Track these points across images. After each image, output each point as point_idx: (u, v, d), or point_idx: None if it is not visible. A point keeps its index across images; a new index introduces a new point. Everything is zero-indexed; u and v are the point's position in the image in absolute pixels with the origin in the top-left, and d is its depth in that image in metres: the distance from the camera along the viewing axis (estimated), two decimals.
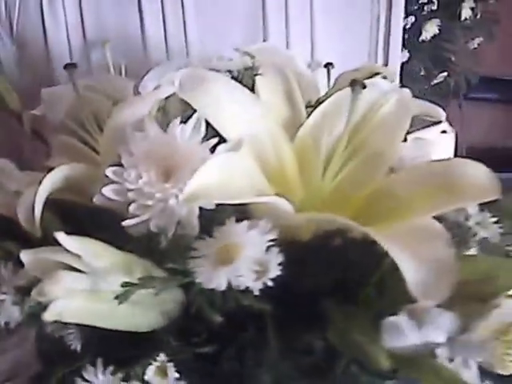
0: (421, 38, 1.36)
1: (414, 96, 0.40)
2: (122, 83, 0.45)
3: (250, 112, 0.35)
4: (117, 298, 0.26)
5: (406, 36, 1.36)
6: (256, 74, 0.37)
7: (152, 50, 0.55)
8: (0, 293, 0.29)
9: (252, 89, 0.38)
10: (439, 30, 1.36)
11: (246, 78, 0.39)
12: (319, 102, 0.38)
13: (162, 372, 0.27)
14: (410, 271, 0.26)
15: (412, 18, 1.35)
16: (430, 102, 0.49)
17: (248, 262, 0.25)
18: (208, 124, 0.33)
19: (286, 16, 0.53)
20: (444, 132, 0.50)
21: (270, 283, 0.25)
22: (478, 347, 0.27)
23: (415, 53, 1.36)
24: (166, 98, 0.35)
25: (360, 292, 0.29)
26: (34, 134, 0.52)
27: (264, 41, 0.52)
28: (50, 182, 0.33)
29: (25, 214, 0.32)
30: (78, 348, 0.31)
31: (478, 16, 1.43)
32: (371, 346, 0.26)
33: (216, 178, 0.29)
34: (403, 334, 0.26)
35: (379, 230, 0.29)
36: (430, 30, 1.36)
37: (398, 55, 0.57)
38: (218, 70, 0.38)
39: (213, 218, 0.28)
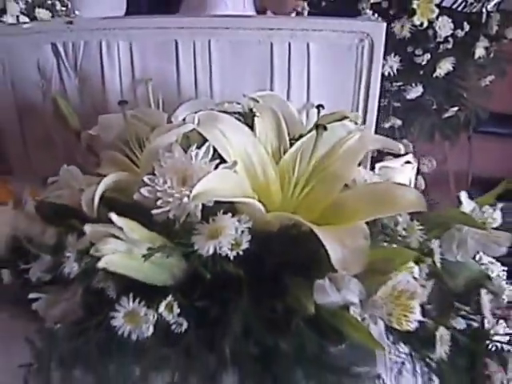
0: (435, 74, 1.49)
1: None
2: (159, 115, 0.61)
3: (246, 142, 0.50)
4: (143, 257, 0.42)
5: (421, 72, 1.50)
6: (254, 116, 0.53)
7: (183, 90, 0.72)
8: (66, 252, 0.45)
9: (252, 125, 0.54)
10: (453, 67, 1.48)
11: (248, 118, 0.54)
12: (300, 136, 0.54)
13: (170, 308, 0.42)
14: (334, 252, 0.40)
15: (428, 56, 1.48)
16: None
17: (228, 239, 0.41)
18: (215, 150, 0.48)
19: (289, 71, 0.69)
20: (408, 162, 0.64)
21: (240, 253, 0.40)
22: (379, 308, 0.41)
23: (429, 88, 1.49)
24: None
25: (306, 266, 0.44)
26: (88, 149, 0.69)
27: (271, 90, 0.68)
28: (104, 184, 0.49)
29: (86, 203, 0.48)
30: (114, 297, 0.46)
31: (492, 55, 1.55)
32: (305, 299, 0.40)
33: (215, 185, 0.44)
34: (327, 294, 0.41)
35: (324, 227, 0.44)
36: (444, 67, 1.48)
37: (376, 100, 0.71)
38: (227, 112, 0.54)
39: (210, 211, 0.43)
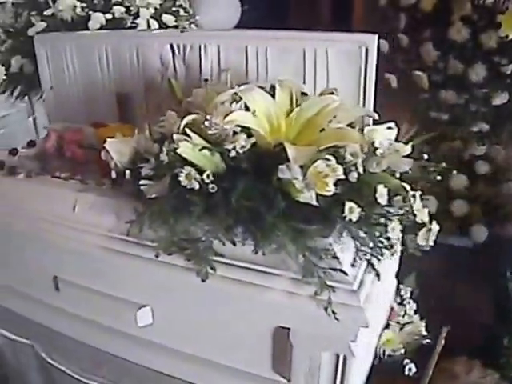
0: None
1: None
2: (225, 87, 1.05)
3: (268, 103, 0.92)
4: (200, 150, 0.85)
5: (508, 81, 1.85)
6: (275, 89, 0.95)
7: (248, 78, 1.15)
8: (162, 154, 0.90)
9: (274, 95, 0.95)
10: None
11: (272, 91, 0.96)
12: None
13: (207, 177, 0.85)
14: (290, 153, 0.81)
15: None
16: None
17: (236, 144, 0.83)
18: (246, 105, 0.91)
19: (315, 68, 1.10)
20: (389, 128, 1.02)
21: (240, 152, 0.83)
22: (311, 181, 0.81)
23: None
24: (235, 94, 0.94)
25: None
26: (185, 110, 1.14)
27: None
28: (187, 119, 0.93)
29: (177, 128, 0.93)
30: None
31: None
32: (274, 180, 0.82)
33: (240, 118, 0.87)
34: (285, 172, 0.82)
35: (292, 145, 0.85)
36: None
37: (371, 91, 1.09)
38: (261, 87, 0.96)
39: (235, 131, 0.86)
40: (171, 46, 1.25)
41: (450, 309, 2.05)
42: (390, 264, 1.02)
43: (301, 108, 0.93)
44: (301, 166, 0.82)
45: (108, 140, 1.01)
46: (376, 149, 0.87)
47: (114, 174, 1.01)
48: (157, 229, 0.93)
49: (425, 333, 1.55)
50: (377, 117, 0.98)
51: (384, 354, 1.41)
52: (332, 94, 0.97)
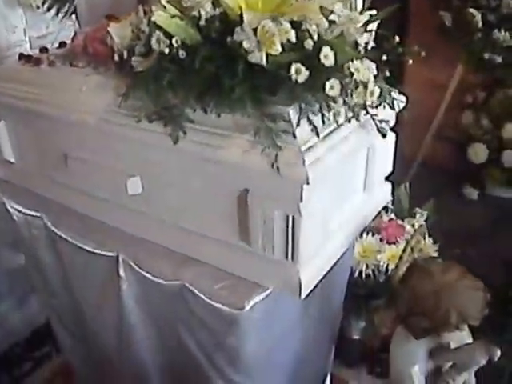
0: None
1: None
2: None
3: None
4: (172, 17, 0.98)
5: None
6: None
7: None
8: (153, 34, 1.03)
9: None
10: None
11: None
12: None
13: (160, 41, 0.97)
14: (248, 19, 0.92)
15: None
16: None
17: (202, 11, 0.95)
18: None
19: None
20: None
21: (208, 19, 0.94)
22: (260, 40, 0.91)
23: None
24: None
25: None
26: None
27: None
28: None
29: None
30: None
31: None
32: (231, 42, 0.93)
33: None
34: (240, 34, 0.92)
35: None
36: None
37: None
38: None
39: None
40: None
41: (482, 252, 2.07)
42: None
43: None
44: (255, 30, 0.92)
45: (111, 25, 1.16)
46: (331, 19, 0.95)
47: (116, 57, 1.15)
48: (141, 99, 1.06)
49: (435, 254, 1.62)
50: None
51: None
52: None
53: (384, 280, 1.62)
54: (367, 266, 1.60)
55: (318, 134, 0.94)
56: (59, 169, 1.30)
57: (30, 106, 1.27)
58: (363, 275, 1.61)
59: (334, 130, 1.02)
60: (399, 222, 1.66)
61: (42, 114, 1.26)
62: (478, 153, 2.62)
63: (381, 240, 1.61)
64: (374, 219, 1.41)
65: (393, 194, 1.43)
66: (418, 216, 1.65)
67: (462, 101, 2.75)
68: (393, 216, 1.66)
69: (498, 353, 1.21)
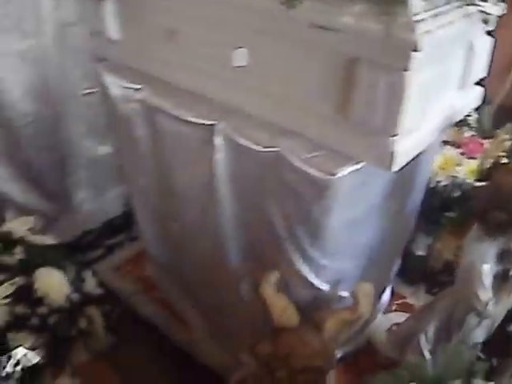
0: None
1: None
2: None
3: None
4: None
5: None
6: None
7: None
8: None
9: None
10: None
11: None
12: None
13: None
14: None
15: None
16: None
17: None
18: None
19: None
20: None
21: None
22: None
23: None
24: None
25: None
26: None
27: None
28: None
29: None
30: None
31: None
32: None
33: None
34: None
35: None
36: None
37: None
38: None
39: None
40: None
41: None
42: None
43: None
44: None
45: None
46: None
47: None
48: None
49: None
50: None
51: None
52: None
53: (459, 195, 1.70)
54: (445, 178, 1.68)
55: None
56: (163, 44, 1.41)
57: None
58: (439, 186, 1.69)
59: (443, 12, 1.09)
60: (480, 140, 1.73)
61: None
62: None
63: (461, 154, 1.68)
64: (457, 128, 1.48)
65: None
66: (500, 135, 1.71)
67: None
68: (474, 133, 1.73)
69: None
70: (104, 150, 2.25)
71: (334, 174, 1.15)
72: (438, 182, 1.67)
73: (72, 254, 1.69)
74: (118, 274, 2.13)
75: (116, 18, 1.54)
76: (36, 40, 1.94)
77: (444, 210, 1.73)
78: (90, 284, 1.67)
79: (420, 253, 1.95)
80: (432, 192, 1.67)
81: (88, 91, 2.10)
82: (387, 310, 1.91)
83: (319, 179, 1.16)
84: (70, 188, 2.25)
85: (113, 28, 1.55)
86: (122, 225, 2.31)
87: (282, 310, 1.37)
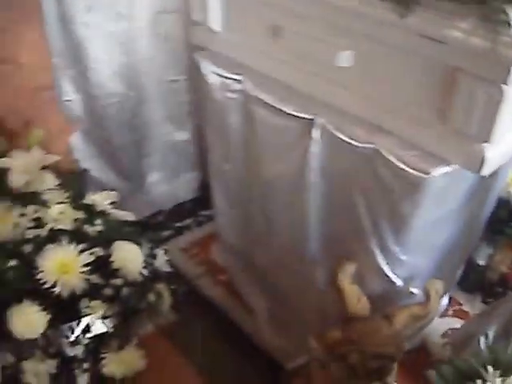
0: None
1: None
2: None
3: None
4: None
5: None
6: None
7: None
8: None
9: None
10: None
11: None
12: None
13: None
14: None
15: None
16: None
17: None
18: None
19: None
20: None
21: None
22: None
23: None
24: None
25: None
26: None
27: None
28: None
29: None
30: None
31: None
32: None
33: None
34: None
35: None
36: None
37: None
38: None
39: None
40: None
41: None
42: None
43: None
44: None
45: None
46: None
47: None
48: None
49: None
50: None
51: None
52: None
53: None
54: None
55: None
56: (266, 38, 1.51)
57: None
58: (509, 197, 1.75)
59: None
60: None
61: None
62: None
63: None
64: None
65: None
66: None
67: None
68: None
69: None
70: (181, 135, 2.36)
71: (428, 173, 1.23)
72: (509, 192, 1.73)
73: (146, 231, 1.78)
74: (185, 256, 2.24)
75: (220, 10, 1.64)
76: (129, 23, 2.03)
77: (510, 221, 1.80)
78: (161, 262, 1.74)
79: (481, 262, 2.02)
80: (501, 202, 1.73)
81: (173, 78, 2.22)
82: (444, 315, 1.99)
83: (414, 176, 1.25)
84: (145, 169, 2.36)
85: (216, 19, 1.65)
86: (191, 210, 2.42)
87: (357, 300, 1.45)
